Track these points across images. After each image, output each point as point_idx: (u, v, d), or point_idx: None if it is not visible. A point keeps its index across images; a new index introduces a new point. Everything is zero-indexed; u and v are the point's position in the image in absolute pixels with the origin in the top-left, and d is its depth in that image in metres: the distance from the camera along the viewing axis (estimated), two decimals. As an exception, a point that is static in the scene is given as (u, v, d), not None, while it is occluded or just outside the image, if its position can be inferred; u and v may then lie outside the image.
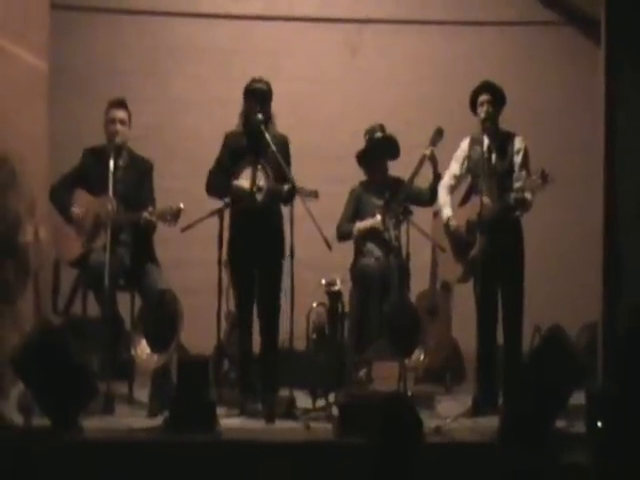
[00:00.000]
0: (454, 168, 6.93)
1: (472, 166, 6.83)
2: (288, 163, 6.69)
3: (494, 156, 6.75)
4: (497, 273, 6.69)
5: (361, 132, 7.36)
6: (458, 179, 6.95)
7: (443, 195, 6.99)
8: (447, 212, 6.94)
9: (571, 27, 8.94)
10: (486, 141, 6.75)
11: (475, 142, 6.81)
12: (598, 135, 6.81)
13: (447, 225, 6.93)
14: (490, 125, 6.73)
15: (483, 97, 6.73)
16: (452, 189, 6.97)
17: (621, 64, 6.54)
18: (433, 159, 7.00)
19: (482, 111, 6.72)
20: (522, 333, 6.88)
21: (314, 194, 6.52)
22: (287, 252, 6.51)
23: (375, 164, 7.34)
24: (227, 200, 6.64)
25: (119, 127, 6.85)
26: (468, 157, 6.85)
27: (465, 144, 6.89)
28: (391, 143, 7.31)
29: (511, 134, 6.82)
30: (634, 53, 6.50)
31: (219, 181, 6.73)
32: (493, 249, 6.62)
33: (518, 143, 6.77)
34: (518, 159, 6.74)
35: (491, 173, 6.70)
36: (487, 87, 6.77)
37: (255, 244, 6.64)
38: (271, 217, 6.70)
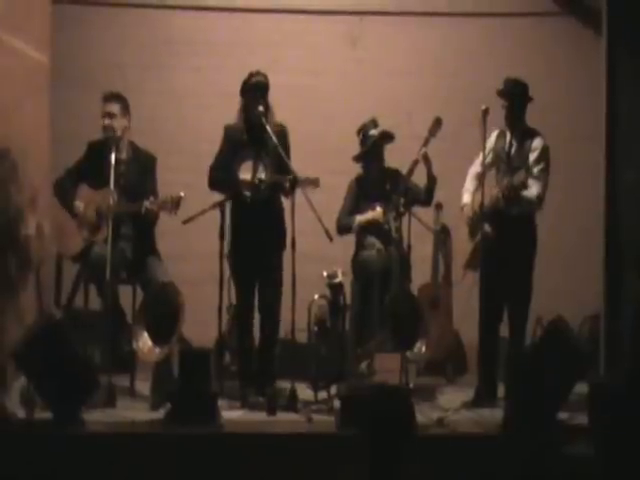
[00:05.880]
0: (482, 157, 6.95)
1: (494, 158, 6.92)
2: (288, 152, 6.71)
3: (513, 151, 6.85)
4: (501, 264, 6.68)
5: (361, 123, 7.33)
6: (486, 167, 6.93)
7: (468, 181, 7.06)
8: (465, 199, 7.02)
9: (573, 17, 8.91)
10: (508, 136, 6.88)
11: (501, 135, 6.94)
12: (601, 124, 6.80)
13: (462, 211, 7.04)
14: (510, 123, 6.84)
15: (502, 102, 6.83)
16: (480, 177, 6.92)
17: (622, 53, 6.54)
18: (427, 160, 7.01)
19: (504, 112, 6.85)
20: (526, 325, 6.87)
21: (315, 182, 6.49)
22: (288, 244, 6.54)
23: (372, 160, 7.30)
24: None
25: (107, 121, 6.89)
26: (493, 149, 6.93)
27: (493, 136, 6.95)
28: (387, 136, 7.27)
29: (533, 132, 6.90)
30: (635, 42, 6.49)
31: (221, 176, 6.74)
32: (497, 240, 6.65)
33: (536, 142, 6.85)
34: (532, 157, 6.81)
35: (507, 167, 6.80)
36: (505, 92, 6.82)
37: (256, 236, 6.67)
38: (272, 209, 6.73)
